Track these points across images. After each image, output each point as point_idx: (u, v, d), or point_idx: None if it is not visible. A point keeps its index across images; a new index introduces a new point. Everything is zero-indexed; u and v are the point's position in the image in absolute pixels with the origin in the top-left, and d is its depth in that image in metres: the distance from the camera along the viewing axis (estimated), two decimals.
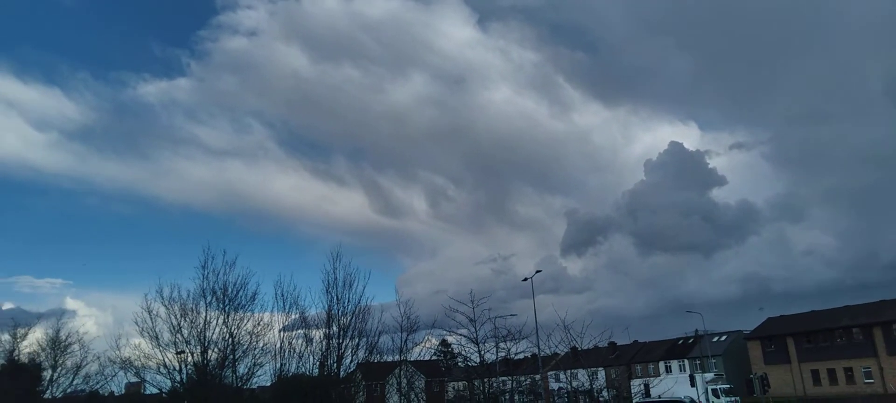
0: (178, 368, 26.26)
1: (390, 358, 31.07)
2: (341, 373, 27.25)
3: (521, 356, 35.61)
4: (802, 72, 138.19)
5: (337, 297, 27.06)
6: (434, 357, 50.32)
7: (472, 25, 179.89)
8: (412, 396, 36.56)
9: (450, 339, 37.58)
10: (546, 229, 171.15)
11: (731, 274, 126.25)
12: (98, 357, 39.02)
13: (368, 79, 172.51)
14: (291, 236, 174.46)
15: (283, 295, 27.30)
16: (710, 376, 59.28)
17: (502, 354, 33.03)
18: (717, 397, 53.02)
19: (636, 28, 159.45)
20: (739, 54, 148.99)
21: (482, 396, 34.34)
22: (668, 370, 75.22)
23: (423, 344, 34.49)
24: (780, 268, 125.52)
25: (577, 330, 35.20)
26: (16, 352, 42.60)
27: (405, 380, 35.84)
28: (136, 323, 26.37)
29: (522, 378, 63.75)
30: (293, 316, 27.50)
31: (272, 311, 27.55)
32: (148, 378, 28.10)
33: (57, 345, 42.17)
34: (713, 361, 69.80)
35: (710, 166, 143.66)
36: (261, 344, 27.18)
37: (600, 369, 71.21)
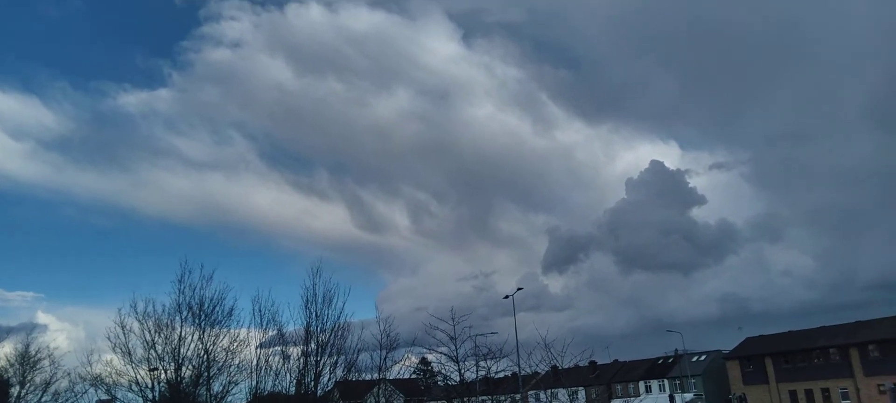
0: (150, 385, 25.56)
1: (369, 377, 30.56)
2: (319, 392, 26.68)
3: (501, 375, 35.30)
4: (782, 93, 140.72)
5: (316, 313, 26.52)
6: (414, 376, 49.77)
7: (456, 41, 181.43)
8: None
9: (430, 357, 37.10)
10: (528, 246, 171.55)
11: (710, 293, 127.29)
12: (68, 374, 37.89)
13: (352, 93, 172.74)
14: (271, 250, 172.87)
15: (260, 311, 26.65)
16: (689, 396, 59.44)
17: (483, 373, 32.67)
18: None
19: (619, 47, 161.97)
20: (720, 74, 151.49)
21: None
22: (649, 390, 75.28)
23: (402, 363, 33.96)
24: (758, 288, 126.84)
25: (558, 349, 34.92)
26: None
27: (384, 399, 35.31)
28: (109, 338, 25.62)
29: (502, 398, 63.28)
30: (271, 333, 26.95)
31: (249, 327, 26.91)
32: (119, 396, 27.26)
33: (26, 361, 40.96)
34: (693, 381, 69.99)
35: (690, 185, 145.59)
36: (237, 361, 26.52)
37: (581, 388, 71.10)
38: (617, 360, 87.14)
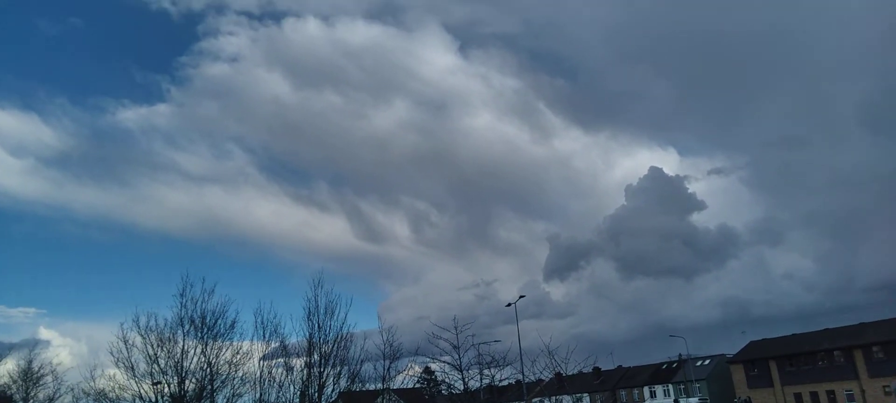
0: (154, 399, 25.56)
1: (373, 387, 30.53)
2: (322, 402, 26.72)
3: (505, 383, 35.21)
4: (779, 98, 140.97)
5: (318, 325, 26.57)
6: (417, 386, 49.61)
7: (453, 52, 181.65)
8: None
9: (433, 367, 37.04)
10: (528, 254, 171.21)
11: (711, 297, 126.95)
12: (72, 389, 38.03)
13: (350, 106, 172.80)
14: (272, 263, 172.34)
15: (263, 323, 26.78)
16: (694, 400, 59.30)
17: (487, 381, 32.59)
18: None
19: (615, 55, 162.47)
20: (717, 81, 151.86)
21: None
22: (653, 395, 75.09)
23: (406, 372, 33.95)
24: (759, 292, 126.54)
25: (562, 356, 34.83)
26: None
27: None
28: (112, 353, 25.63)
29: None
30: (273, 345, 26.99)
31: (252, 340, 27.02)
32: None
33: (29, 377, 41.06)
34: (697, 385, 69.78)
35: (689, 191, 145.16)
36: (240, 374, 26.59)
37: (585, 395, 70.91)
38: (621, 366, 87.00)
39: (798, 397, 62.42)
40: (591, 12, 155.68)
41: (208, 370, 25.82)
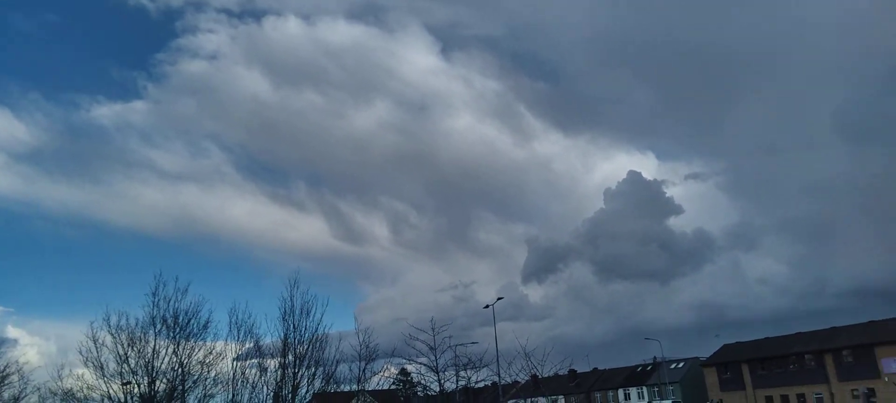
0: (123, 399, 25.07)
1: (348, 388, 30.37)
2: None
3: (481, 384, 35.26)
4: (755, 106, 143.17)
5: (294, 325, 26.28)
6: (393, 387, 49.42)
7: (435, 54, 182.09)
8: None
9: (409, 368, 36.91)
10: (507, 256, 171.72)
11: (687, 301, 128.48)
12: (38, 389, 37.05)
13: (330, 105, 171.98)
14: (248, 262, 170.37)
15: (237, 323, 26.38)
16: None
17: (463, 383, 32.56)
18: None
19: (596, 59, 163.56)
20: (695, 87, 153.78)
21: None
22: (628, 397, 75.71)
23: (381, 374, 33.81)
24: (734, 296, 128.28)
25: (538, 358, 34.94)
26: None
27: None
28: (81, 352, 25.06)
29: None
30: (248, 345, 26.68)
31: (226, 340, 26.56)
32: None
33: None
34: (671, 388, 70.48)
35: (667, 195, 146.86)
36: (212, 374, 26.17)
37: (560, 397, 71.23)
38: (596, 368, 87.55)
39: (769, 400, 63.34)
40: (574, 17, 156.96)
41: (180, 370, 25.39)
